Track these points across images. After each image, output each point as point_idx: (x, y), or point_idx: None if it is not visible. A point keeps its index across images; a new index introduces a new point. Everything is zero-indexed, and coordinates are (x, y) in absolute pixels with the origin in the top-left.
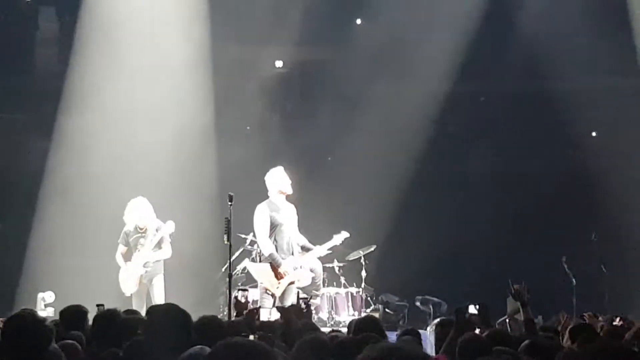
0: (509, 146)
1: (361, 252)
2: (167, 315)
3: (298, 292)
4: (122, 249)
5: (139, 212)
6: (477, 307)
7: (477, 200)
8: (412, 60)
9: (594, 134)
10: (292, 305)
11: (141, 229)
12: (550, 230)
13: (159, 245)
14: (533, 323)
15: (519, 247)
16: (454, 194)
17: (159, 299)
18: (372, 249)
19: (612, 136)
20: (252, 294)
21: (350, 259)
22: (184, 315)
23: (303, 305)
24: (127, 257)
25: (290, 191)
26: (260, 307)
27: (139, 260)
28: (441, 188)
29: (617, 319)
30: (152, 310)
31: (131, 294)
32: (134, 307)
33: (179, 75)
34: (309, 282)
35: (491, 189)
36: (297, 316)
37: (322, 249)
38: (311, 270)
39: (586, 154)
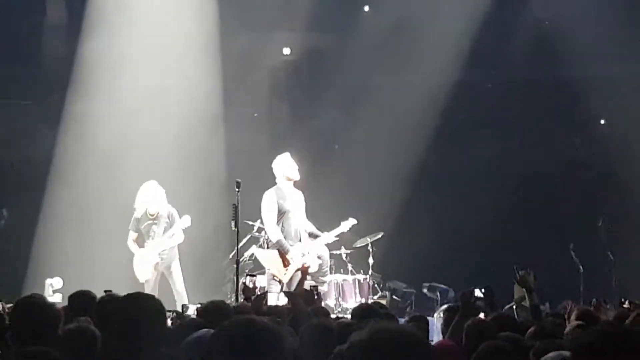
0: (517, 134)
1: (368, 239)
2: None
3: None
4: (133, 235)
5: (149, 197)
6: (483, 290)
7: (484, 188)
8: (419, 48)
9: (602, 121)
10: (302, 290)
11: (152, 215)
12: (558, 217)
13: (171, 231)
14: (539, 309)
15: (527, 234)
16: (461, 181)
17: (179, 284)
18: (380, 236)
19: (621, 124)
20: (260, 280)
21: (358, 245)
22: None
23: (314, 293)
24: (139, 243)
25: (297, 177)
26: (267, 292)
27: (154, 248)
28: (448, 176)
29: (626, 302)
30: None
31: (145, 280)
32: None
33: (187, 62)
34: (316, 268)
35: (499, 176)
36: (306, 302)
37: (330, 236)
38: (318, 257)
39: (594, 141)
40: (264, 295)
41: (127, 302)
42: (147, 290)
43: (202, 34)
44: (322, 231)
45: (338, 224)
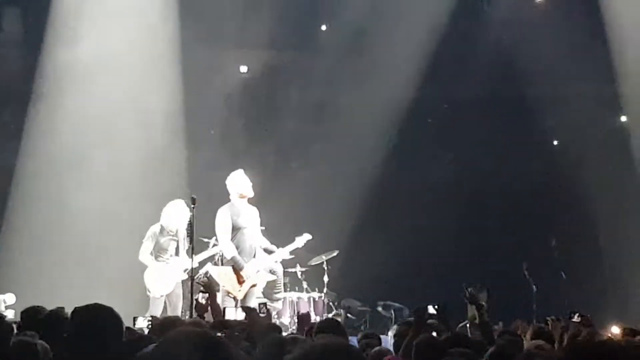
0: (473, 152)
1: (324, 257)
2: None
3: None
4: (149, 247)
5: (176, 214)
6: (436, 308)
7: (439, 207)
8: (377, 65)
9: (555, 142)
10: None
11: (172, 231)
12: (512, 237)
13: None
14: (489, 325)
15: (481, 253)
16: (416, 200)
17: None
18: (335, 254)
19: (574, 144)
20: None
21: (313, 263)
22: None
23: (264, 310)
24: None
25: (251, 194)
26: (225, 307)
27: (179, 265)
28: (404, 194)
29: (576, 316)
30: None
31: (160, 295)
32: (163, 309)
33: (149, 76)
34: (264, 284)
35: (453, 195)
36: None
37: (285, 251)
38: (272, 273)
39: (548, 162)
40: (222, 310)
41: (77, 315)
42: (160, 305)
43: (163, 48)
44: (277, 247)
45: (293, 240)
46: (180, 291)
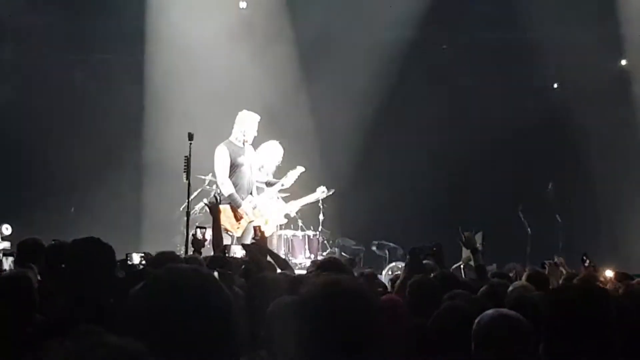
0: (469, 93)
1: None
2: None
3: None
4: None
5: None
6: (433, 247)
7: (435, 147)
8: (378, 3)
9: (555, 85)
10: (254, 243)
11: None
12: (508, 180)
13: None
14: (484, 269)
15: (477, 195)
16: (411, 140)
17: None
18: (331, 192)
19: (574, 89)
20: (210, 233)
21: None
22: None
23: (258, 233)
24: None
25: (250, 141)
26: (228, 244)
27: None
28: (400, 134)
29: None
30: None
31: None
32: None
33: None
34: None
35: (449, 135)
36: (261, 253)
37: (287, 181)
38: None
39: (546, 105)
40: (226, 247)
41: (74, 249)
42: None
43: None
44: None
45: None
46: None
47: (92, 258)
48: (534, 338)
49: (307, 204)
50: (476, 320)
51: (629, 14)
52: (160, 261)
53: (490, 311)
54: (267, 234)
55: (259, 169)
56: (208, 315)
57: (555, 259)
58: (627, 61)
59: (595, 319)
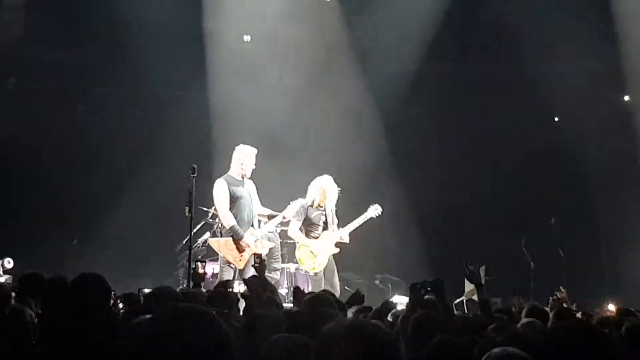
0: (473, 126)
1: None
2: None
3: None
4: (298, 224)
5: (327, 190)
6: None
7: (438, 181)
8: (381, 38)
9: (556, 118)
10: (254, 277)
11: (321, 205)
12: (512, 214)
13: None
14: (488, 303)
15: (480, 229)
16: (415, 173)
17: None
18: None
19: (575, 121)
20: (212, 267)
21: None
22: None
23: (257, 260)
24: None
25: (248, 175)
26: (231, 280)
27: (332, 239)
28: (404, 167)
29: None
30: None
31: (316, 274)
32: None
33: None
34: (266, 251)
35: (452, 169)
36: (262, 287)
37: (287, 213)
38: (269, 240)
39: (549, 138)
40: (229, 282)
41: (70, 284)
42: (321, 284)
43: None
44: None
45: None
46: (333, 265)
47: (87, 294)
48: None
49: (359, 225)
50: (483, 358)
51: (630, 48)
52: (158, 297)
53: (497, 349)
54: (320, 268)
55: (330, 210)
56: (207, 356)
57: (557, 294)
58: (630, 96)
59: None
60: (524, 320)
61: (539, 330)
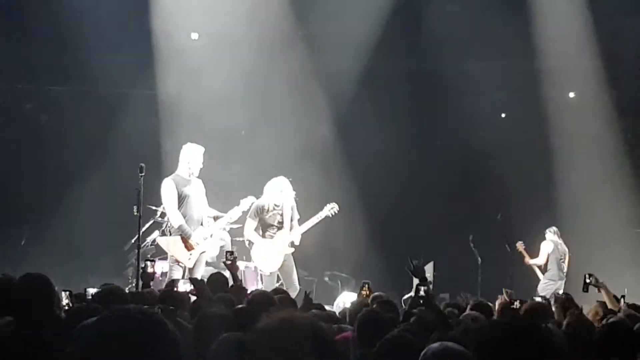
0: (415, 125)
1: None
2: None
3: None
4: (253, 224)
5: (284, 192)
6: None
7: (385, 179)
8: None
9: (503, 115)
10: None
11: (277, 205)
12: (459, 210)
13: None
14: (432, 299)
15: (427, 225)
16: (362, 171)
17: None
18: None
19: (515, 118)
20: (161, 265)
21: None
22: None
23: (230, 257)
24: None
25: (196, 174)
26: (177, 279)
27: (287, 239)
28: (351, 165)
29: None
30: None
31: (270, 273)
32: (278, 285)
33: None
34: (217, 251)
35: (399, 166)
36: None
37: (233, 213)
38: (221, 239)
39: (493, 135)
40: (174, 282)
41: (17, 285)
42: (273, 281)
43: None
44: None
45: (238, 203)
46: (291, 262)
47: (31, 295)
48: None
49: (314, 225)
50: (422, 353)
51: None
52: (104, 297)
53: (435, 344)
54: (274, 267)
55: (290, 209)
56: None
57: (504, 294)
58: (574, 93)
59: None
60: (467, 313)
61: (481, 323)
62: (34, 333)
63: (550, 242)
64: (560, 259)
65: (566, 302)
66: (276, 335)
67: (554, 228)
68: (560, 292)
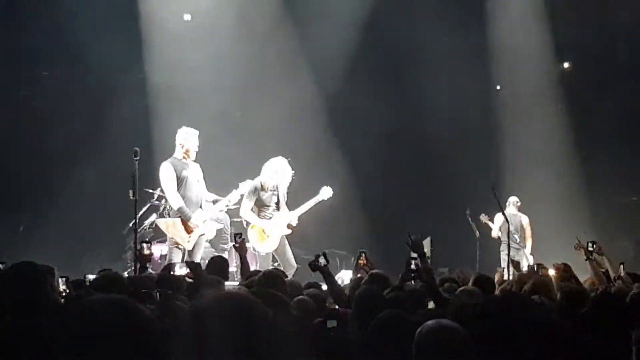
0: (417, 98)
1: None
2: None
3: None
4: (250, 204)
5: (282, 172)
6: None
7: (382, 154)
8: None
9: (498, 87)
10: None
11: (274, 186)
12: (456, 184)
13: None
14: (431, 273)
15: (426, 200)
16: (362, 146)
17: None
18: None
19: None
20: (160, 248)
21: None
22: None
23: (239, 240)
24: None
25: (193, 157)
26: (174, 263)
27: (284, 220)
28: (350, 140)
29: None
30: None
31: (265, 253)
32: (276, 265)
33: None
34: (214, 234)
35: (396, 140)
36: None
37: (232, 197)
38: (219, 221)
39: (490, 107)
40: (170, 265)
41: (6, 274)
42: (269, 260)
43: None
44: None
45: (237, 187)
46: (285, 241)
47: (18, 284)
48: (473, 348)
49: (310, 208)
50: (417, 331)
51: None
52: (101, 284)
53: (430, 322)
54: (271, 248)
55: (284, 191)
56: (122, 345)
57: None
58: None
59: (513, 328)
60: (463, 288)
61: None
62: (27, 321)
63: (501, 214)
64: (513, 230)
65: (565, 272)
66: (213, 313)
67: (512, 198)
68: (521, 261)
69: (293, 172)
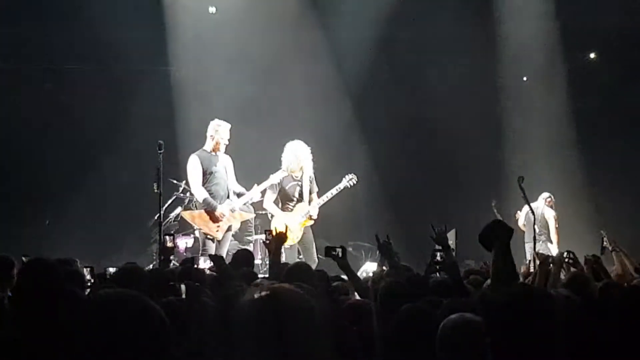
0: (439, 91)
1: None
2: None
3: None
4: (273, 196)
5: (300, 155)
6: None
7: (407, 146)
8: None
9: (525, 78)
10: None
11: (296, 175)
12: (481, 175)
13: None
14: (456, 267)
15: (451, 192)
16: (387, 139)
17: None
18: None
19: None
20: (185, 241)
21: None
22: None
23: (269, 236)
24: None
25: (222, 150)
26: (195, 256)
27: (305, 210)
28: (375, 134)
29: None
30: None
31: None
32: (298, 258)
33: None
34: (238, 225)
35: (424, 134)
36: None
37: (254, 192)
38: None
39: (516, 98)
40: (193, 258)
41: (19, 272)
42: (295, 256)
43: None
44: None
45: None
46: (310, 236)
47: (33, 281)
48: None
49: (332, 197)
50: (441, 325)
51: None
52: (122, 277)
53: (454, 316)
54: (294, 241)
55: (309, 179)
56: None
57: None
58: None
59: (533, 321)
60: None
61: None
62: (52, 316)
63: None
64: (534, 223)
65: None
66: (256, 310)
67: (544, 194)
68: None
69: (309, 147)
